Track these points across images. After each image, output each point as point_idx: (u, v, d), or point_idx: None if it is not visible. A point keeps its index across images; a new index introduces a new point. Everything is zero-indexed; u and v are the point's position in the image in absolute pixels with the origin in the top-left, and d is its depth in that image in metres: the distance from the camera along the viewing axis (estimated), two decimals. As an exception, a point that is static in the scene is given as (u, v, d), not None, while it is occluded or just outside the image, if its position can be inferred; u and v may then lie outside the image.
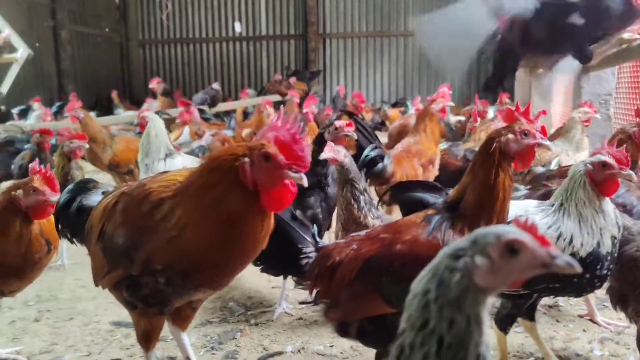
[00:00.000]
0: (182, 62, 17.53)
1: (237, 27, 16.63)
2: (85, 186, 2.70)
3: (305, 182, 1.84)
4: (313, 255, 2.26)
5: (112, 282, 2.11)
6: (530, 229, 1.06)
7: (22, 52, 10.45)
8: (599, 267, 2.40)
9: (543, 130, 2.26)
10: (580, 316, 3.41)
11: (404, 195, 2.64)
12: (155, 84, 11.74)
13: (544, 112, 2.54)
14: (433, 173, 4.40)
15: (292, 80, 12.95)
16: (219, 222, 1.83)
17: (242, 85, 17.15)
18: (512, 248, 1.03)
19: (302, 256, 2.25)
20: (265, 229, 1.91)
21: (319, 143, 3.42)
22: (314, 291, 2.23)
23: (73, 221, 2.58)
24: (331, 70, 16.86)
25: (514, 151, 2.10)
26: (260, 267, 2.41)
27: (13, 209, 2.53)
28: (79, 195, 2.63)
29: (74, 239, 2.64)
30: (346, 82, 16.38)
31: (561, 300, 3.61)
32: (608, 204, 2.47)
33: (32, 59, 10.89)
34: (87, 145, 4.60)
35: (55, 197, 2.55)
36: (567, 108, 6.77)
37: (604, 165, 2.42)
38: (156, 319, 2.09)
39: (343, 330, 2.22)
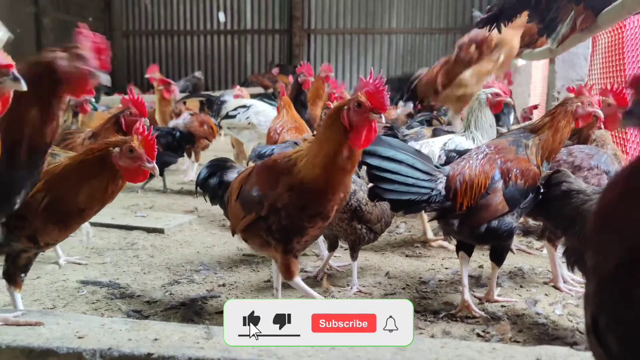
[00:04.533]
0: (166, 54, 17.45)
1: (221, 17, 16.59)
2: (224, 164, 3.13)
3: (383, 120, 2.36)
4: (442, 177, 2.78)
5: (245, 224, 2.63)
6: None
7: (2, 35, 10.33)
8: None
9: (599, 104, 3.22)
10: (545, 283, 3.47)
11: None
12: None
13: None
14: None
15: (275, 71, 12.94)
16: (327, 157, 2.36)
17: (225, 78, 17.13)
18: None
19: (437, 179, 2.76)
20: (353, 160, 2.40)
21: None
22: (458, 206, 2.77)
23: (213, 189, 3.06)
24: (315, 66, 16.85)
25: (579, 114, 3.02)
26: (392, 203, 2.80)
27: (108, 162, 2.36)
28: (220, 171, 3.08)
29: (212, 201, 3.12)
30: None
31: (525, 267, 3.69)
32: None
33: (12, 44, 10.76)
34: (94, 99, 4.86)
35: (150, 165, 2.37)
36: (543, 95, 6.88)
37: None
38: (286, 257, 2.57)
39: (475, 233, 2.82)
